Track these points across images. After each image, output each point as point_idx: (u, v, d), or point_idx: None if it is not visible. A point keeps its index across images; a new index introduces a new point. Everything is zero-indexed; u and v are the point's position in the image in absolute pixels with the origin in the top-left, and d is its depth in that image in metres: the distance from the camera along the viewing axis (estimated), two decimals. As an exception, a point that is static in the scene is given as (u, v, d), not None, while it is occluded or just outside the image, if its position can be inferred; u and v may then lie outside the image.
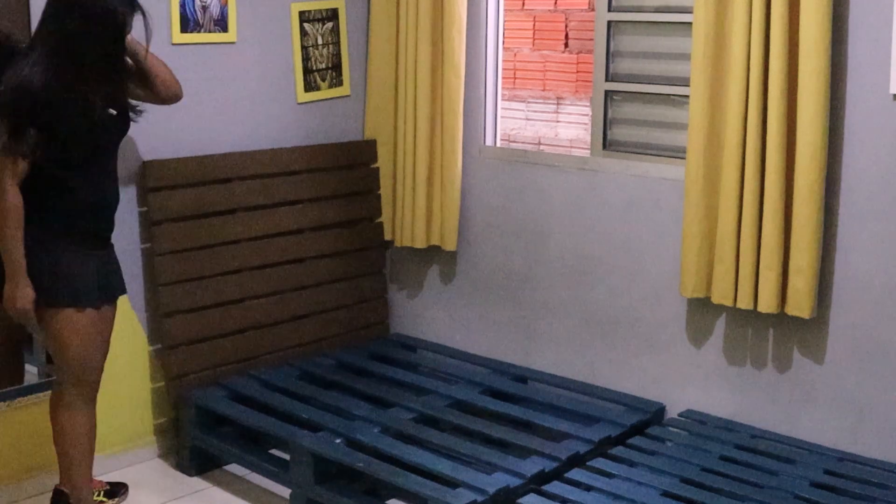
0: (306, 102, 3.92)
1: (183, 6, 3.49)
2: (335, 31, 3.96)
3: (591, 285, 3.66)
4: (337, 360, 3.86)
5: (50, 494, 3.15)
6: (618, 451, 3.10)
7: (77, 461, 2.82)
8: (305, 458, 3.09)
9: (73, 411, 2.80)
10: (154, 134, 3.48)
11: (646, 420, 3.35)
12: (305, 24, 3.86)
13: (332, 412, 3.37)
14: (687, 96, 3.30)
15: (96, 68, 2.58)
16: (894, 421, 3.04)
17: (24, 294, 2.65)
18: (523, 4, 3.83)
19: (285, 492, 3.26)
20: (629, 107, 3.66)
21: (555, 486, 2.89)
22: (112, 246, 2.91)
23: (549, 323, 3.79)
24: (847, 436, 3.13)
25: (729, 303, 3.19)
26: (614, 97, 3.66)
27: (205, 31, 3.56)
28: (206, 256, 3.58)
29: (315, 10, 3.88)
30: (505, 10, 3.94)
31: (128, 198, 3.41)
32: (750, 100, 3.05)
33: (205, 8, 3.55)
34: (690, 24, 3.23)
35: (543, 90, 4.03)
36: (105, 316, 2.81)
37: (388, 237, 4.11)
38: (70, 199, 2.69)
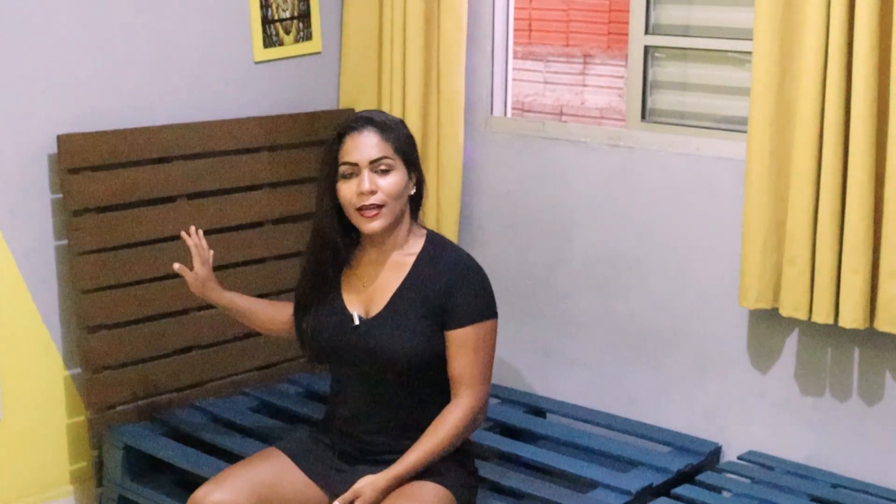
0: (266, 61, 3.93)
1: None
2: (303, -30, 4.00)
3: (627, 293, 3.67)
4: (305, 387, 3.85)
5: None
6: (661, 503, 3.06)
7: None
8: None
9: None
10: (71, 100, 3.46)
11: (697, 464, 3.33)
12: (265, -38, 3.90)
13: (298, 454, 3.32)
14: (749, 52, 3.29)
15: None
16: None
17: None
18: (541, -62, 3.79)
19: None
20: (675, 66, 3.68)
21: (581, 551, 2.88)
22: None
23: (574, 340, 3.80)
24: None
25: (802, 316, 3.19)
26: (656, 54, 3.66)
27: (136, -29, 3.60)
28: (139, 256, 3.57)
29: (277, -55, 3.94)
30: (518, -55, 3.94)
31: (38, 182, 3.41)
32: (830, 56, 3.03)
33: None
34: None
35: (566, 46, 3.98)
36: None
37: (370, 231, 4.10)
38: None
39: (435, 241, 2.88)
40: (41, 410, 3.50)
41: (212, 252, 3.02)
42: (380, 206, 2.74)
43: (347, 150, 2.76)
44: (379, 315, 2.81)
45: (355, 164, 2.75)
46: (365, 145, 2.75)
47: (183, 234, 3.00)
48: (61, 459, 3.56)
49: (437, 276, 2.79)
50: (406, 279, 2.81)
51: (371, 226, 2.75)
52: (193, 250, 2.98)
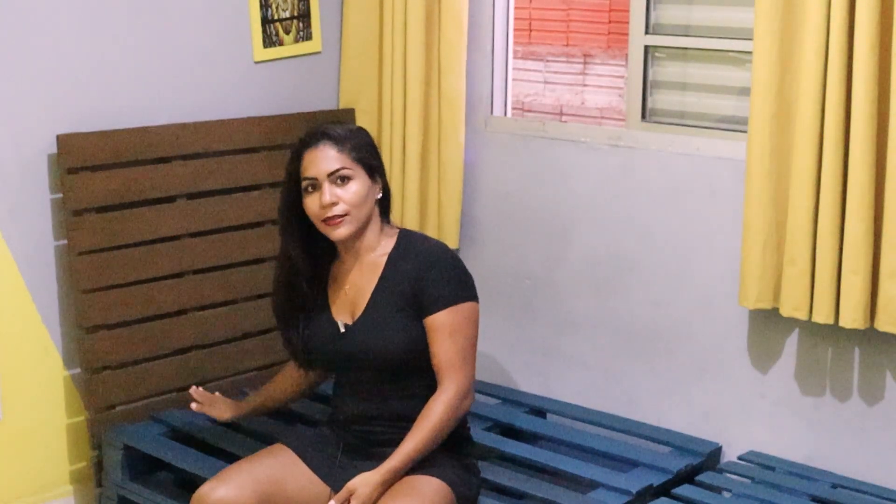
0: (265, 61, 3.92)
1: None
2: (303, -30, 3.99)
3: (627, 293, 3.67)
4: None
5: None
6: (661, 503, 3.05)
7: None
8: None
9: None
10: (71, 99, 3.46)
11: (697, 464, 3.33)
12: (264, -38, 3.89)
13: (299, 455, 3.32)
14: (749, 52, 3.28)
15: None
16: None
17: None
18: (540, -62, 3.80)
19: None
20: (675, 66, 3.68)
21: (581, 551, 2.86)
22: None
23: (574, 340, 3.80)
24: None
25: (803, 316, 3.18)
26: (656, 54, 3.66)
27: (136, -29, 3.58)
28: (138, 256, 3.57)
29: (277, -55, 3.93)
30: (518, -54, 3.94)
31: (38, 182, 3.41)
32: (830, 56, 3.02)
33: (136, -59, 3.57)
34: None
35: (566, 46, 3.98)
36: None
37: (370, 231, 4.10)
38: None
39: (406, 237, 2.94)
40: (41, 410, 3.50)
41: (217, 393, 3.17)
42: (343, 215, 2.81)
43: (306, 166, 2.84)
44: (360, 319, 2.88)
45: (315, 179, 2.82)
46: (322, 159, 2.83)
47: (191, 394, 3.11)
48: (61, 459, 3.56)
49: (410, 268, 2.86)
50: (381, 278, 2.88)
51: (337, 232, 2.83)
52: (206, 403, 3.11)
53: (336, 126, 2.90)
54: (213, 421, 3.25)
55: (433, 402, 2.80)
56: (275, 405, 3.25)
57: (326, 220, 2.82)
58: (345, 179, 2.81)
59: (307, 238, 2.91)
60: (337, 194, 2.80)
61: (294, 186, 2.87)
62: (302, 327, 2.95)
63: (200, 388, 3.18)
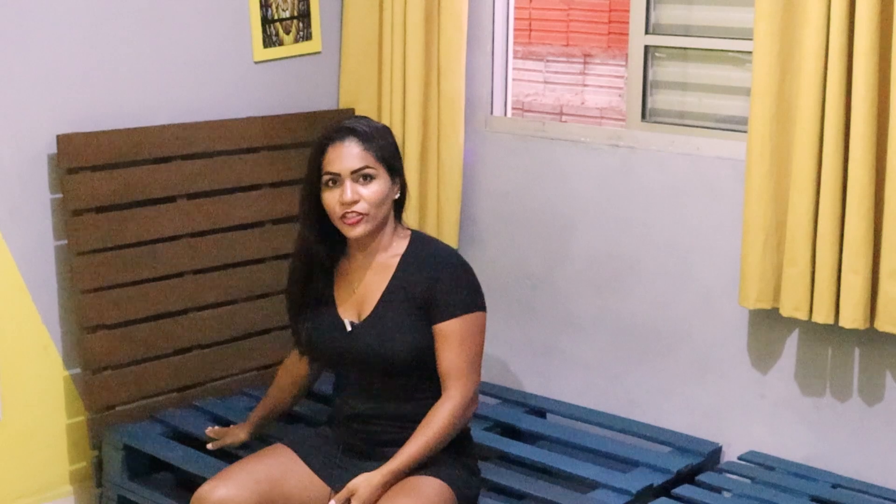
0: (265, 61, 3.92)
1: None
2: (303, -30, 3.98)
3: (627, 293, 3.67)
4: (305, 387, 3.78)
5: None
6: (661, 503, 3.05)
7: None
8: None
9: None
10: (71, 99, 3.46)
11: (697, 464, 3.32)
12: (264, -38, 3.88)
13: (298, 455, 3.31)
14: (749, 52, 3.28)
15: None
16: None
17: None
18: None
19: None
20: (675, 66, 3.68)
21: (581, 551, 2.84)
22: None
23: (574, 340, 3.80)
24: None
25: (803, 316, 3.18)
26: (657, 54, 3.66)
27: (136, -29, 3.57)
28: (138, 256, 3.57)
29: (277, -55, 3.92)
30: (518, -54, 3.94)
31: (38, 182, 3.41)
32: (830, 56, 3.02)
33: (136, -59, 3.56)
34: (753, -41, 3.24)
35: (566, 46, 3.98)
36: None
37: (370, 231, 4.09)
38: None
39: (419, 240, 2.92)
40: (41, 410, 3.49)
41: (230, 426, 3.33)
42: (362, 214, 2.79)
43: (330, 160, 2.81)
44: (368, 319, 2.87)
45: (337, 174, 2.79)
46: (346, 155, 2.80)
47: (208, 433, 3.30)
48: (61, 460, 3.56)
49: (422, 273, 2.84)
50: (392, 280, 2.86)
51: (354, 232, 2.81)
52: (221, 437, 3.26)
53: (362, 122, 2.88)
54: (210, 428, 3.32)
55: (438, 407, 2.80)
56: (280, 409, 3.26)
57: (344, 218, 2.80)
58: (367, 178, 2.80)
59: (326, 229, 2.89)
60: (358, 192, 2.78)
61: (315, 178, 2.84)
62: (309, 320, 2.95)
63: (216, 427, 3.28)
